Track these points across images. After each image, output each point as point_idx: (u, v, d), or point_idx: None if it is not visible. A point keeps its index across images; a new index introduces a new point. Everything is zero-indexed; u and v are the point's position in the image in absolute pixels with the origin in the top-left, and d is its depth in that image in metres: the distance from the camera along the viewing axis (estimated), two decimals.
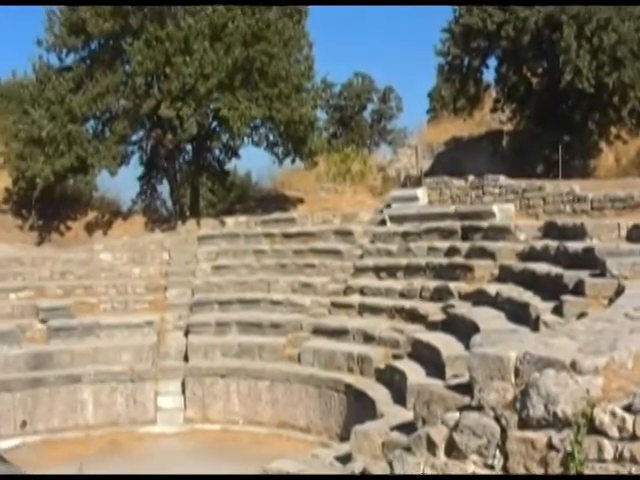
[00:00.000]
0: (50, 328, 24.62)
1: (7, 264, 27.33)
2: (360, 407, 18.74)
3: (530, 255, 19.51)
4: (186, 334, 24.88)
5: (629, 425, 6.51)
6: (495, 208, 22.96)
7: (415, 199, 26.90)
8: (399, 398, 16.93)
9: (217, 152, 33.31)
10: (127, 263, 28.10)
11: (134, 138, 31.69)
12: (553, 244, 18.42)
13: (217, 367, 23.48)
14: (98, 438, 22.64)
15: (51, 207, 30.18)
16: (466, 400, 7.81)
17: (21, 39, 76.13)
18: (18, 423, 22.66)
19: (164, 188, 33.68)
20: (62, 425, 23.11)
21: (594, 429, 6.65)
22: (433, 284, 21.69)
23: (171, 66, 27.62)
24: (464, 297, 20.04)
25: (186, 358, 24.10)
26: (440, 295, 21.03)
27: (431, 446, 7.58)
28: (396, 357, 19.34)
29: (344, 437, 18.23)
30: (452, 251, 22.41)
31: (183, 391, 23.70)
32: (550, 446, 6.82)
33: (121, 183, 45.25)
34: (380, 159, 37.70)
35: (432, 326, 19.67)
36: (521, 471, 6.97)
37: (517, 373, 7.34)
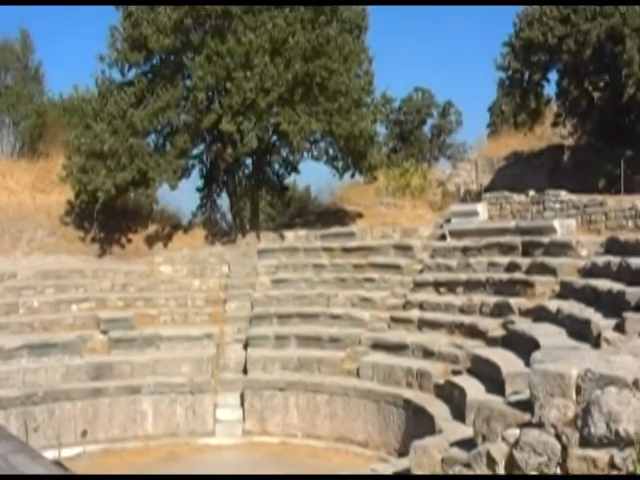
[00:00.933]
0: (111, 339, 24.96)
1: (69, 276, 27.74)
2: (419, 422, 18.68)
3: (591, 271, 19.31)
4: (245, 347, 24.98)
5: None
6: (556, 223, 22.76)
7: (475, 214, 26.79)
8: (458, 414, 16.84)
9: (277, 166, 33.47)
10: (187, 276, 28.33)
11: (194, 152, 32.01)
12: (615, 260, 18.20)
13: (276, 380, 23.57)
14: (157, 448, 22.90)
15: (112, 220, 30.53)
16: (526, 417, 7.76)
17: (83, 55, 77.42)
18: (79, 432, 23.00)
19: (224, 201, 33.98)
20: (122, 435, 23.41)
21: None
22: (493, 300, 21.55)
23: (232, 81, 27.86)
24: (524, 313, 19.88)
25: (245, 371, 24.22)
26: (500, 311, 20.88)
27: (491, 463, 7.55)
28: (455, 373, 19.23)
29: (402, 452, 18.21)
30: (512, 267, 22.24)
31: (242, 403, 23.85)
32: (612, 465, 6.75)
33: (181, 196, 45.61)
34: (439, 174, 37.61)
35: (492, 342, 19.53)
36: None
37: (578, 390, 7.27)
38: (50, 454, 17.22)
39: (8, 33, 40.64)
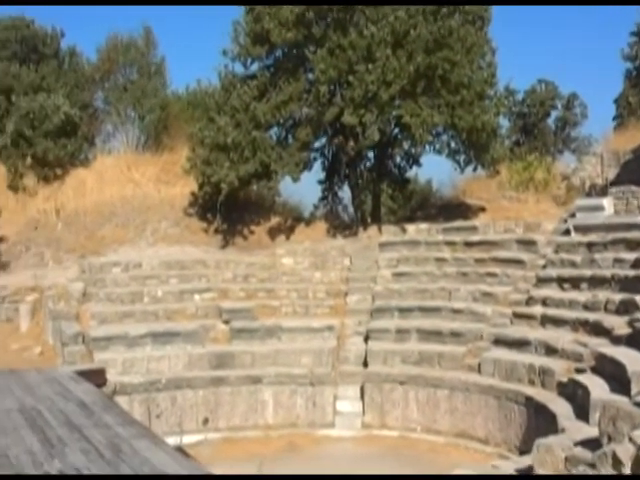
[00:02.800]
0: (233, 329, 25.35)
1: (192, 266, 28.26)
2: (540, 420, 18.38)
3: None
4: (366, 340, 25.00)
5: None
6: None
7: (600, 209, 26.19)
8: (581, 413, 16.48)
9: (398, 159, 33.38)
10: (309, 268, 28.50)
11: (316, 145, 32.18)
12: None
13: (396, 374, 23.51)
14: (277, 438, 23.12)
15: (235, 211, 30.95)
16: None
17: (205, 49, 78.58)
18: (200, 420, 23.43)
19: (345, 194, 34.04)
20: (242, 424, 23.74)
21: None
22: (619, 297, 20.99)
23: (354, 74, 27.87)
24: None
25: (365, 364, 24.24)
26: (626, 308, 20.31)
27: (617, 464, 7.40)
28: (579, 371, 18.80)
29: (523, 450, 17.97)
30: (639, 263, 21.67)
31: (362, 396, 23.90)
32: None
33: (303, 189, 45.94)
34: (564, 167, 36.82)
35: (617, 340, 19.04)
36: None
37: None
38: (172, 440, 17.53)
39: (132, 30, 41.62)
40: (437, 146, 30.73)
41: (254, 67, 31.07)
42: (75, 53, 41.24)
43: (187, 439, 21.67)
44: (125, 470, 13.76)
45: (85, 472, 13.59)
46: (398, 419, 23.35)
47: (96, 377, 21.37)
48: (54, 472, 13.59)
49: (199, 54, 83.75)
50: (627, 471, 7.28)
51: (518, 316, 23.44)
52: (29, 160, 33.92)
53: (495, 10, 30.57)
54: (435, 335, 24.22)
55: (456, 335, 23.71)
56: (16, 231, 31.70)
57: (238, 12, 30.74)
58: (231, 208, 30.65)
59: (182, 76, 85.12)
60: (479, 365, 22.30)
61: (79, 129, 35.32)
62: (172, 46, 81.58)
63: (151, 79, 40.20)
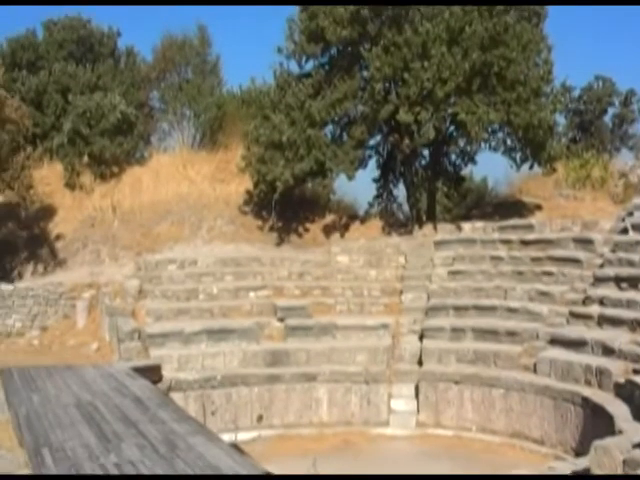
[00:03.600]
0: (287, 327, 25.39)
1: (248, 263, 28.38)
2: (597, 422, 18.13)
3: None
4: (421, 338, 24.88)
5: None
6: None
7: None
8: (639, 414, 16.29)
9: (454, 157, 33.16)
10: (364, 266, 28.43)
11: (371, 142, 32.10)
12: None
13: (451, 373, 23.35)
14: (331, 436, 23.11)
15: (290, 209, 31.03)
16: None
17: (259, 47, 78.82)
18: (255, 417, 23.53)
19: (400, 192, 33.92)
20: (297, 421, 23.78)
21: None
22: None
23: (409, 71, 27.76)
24: None
25: (420, 362, 24.13)
26: None
27: None
28: (637, 372, 18.57)
29: (579, 452, 17.80)
30: None
31: (416, 395, 23.80)
32: None
33: (358, 186, 45.87)
34: (621, 165, 36.36)
35: None
36: None
37: None
38: (226, 437, 17.60)
39: (187, 29, 41.86)
40: (493, 143, 30.55)
41: (309, 65, 31.14)
42: (131, 52, 41.70)
43: (241, 436, 21.75)
44: (180, 465, 13.85)
45: (140, 467, 13.72)
46: (453, 418, 23.20)
47: (152, 373, 21.59)
48: (110, 466, 13.74)
49: (254, 52, 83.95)
50: None
51: (575, 316, 23.15)
52: (86, 158, 34.29)
53: (551, 6, 30.23)
54: (490, 334, 23.99)
55: (512, 334, 23.47)
56: (73, 228, 32.07)
57: (293, 10, 30.79)
58: (286, 206, 30.74)
59: (237, 74, 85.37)
60: (535, 365, 22.04)
61: (135, 128, 35.62)
62: (227, 44, 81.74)
63: (206, 78, 40.50)
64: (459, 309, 25.58)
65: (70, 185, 34.06)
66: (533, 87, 28.15)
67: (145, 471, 13.50)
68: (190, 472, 13.48)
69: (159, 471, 13.53)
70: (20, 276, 30.53)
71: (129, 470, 13.51)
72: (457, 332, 24.53)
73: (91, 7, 62.31)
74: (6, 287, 27.53)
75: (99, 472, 13.37)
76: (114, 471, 13.44)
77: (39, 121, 35.81)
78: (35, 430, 16.02)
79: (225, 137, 36.01)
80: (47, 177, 34.13)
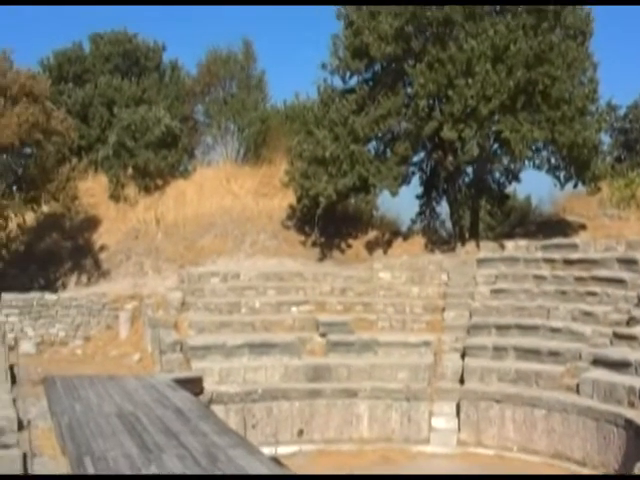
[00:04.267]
0: (329, 342, 25.39)
1: (290, 278, 28.43)
2: None
3: None
4: (462, 356, 24.74)
5: None
6: None
7: None
8: None
9: (497, 175, 33.02)
10: (406, 283, 28.35)
11: (415, 159, 32.08)
12: None
13: (493, 392, 23.16)
14: (371, 452, 23.07)
15: (333, 225, 31.07)
16: None
17: (304, 63, 79.06)
18: (295, 431, 23.55)
19: (443, 209, 33.82)
20: (337, 437, 23.77)
21: None
22: None
23: (453, 88, 27.72)
24: None
25: (462, 380, 23.98)
26: None
27: None
28: None
29: (622, 474, 17.56)
30: None
31: (457, 413, 23.65)
32: None
33: (401, 203, 45.77)
34: None
35: None
36: None
37: None
38: (267, 451, 17.59)
39: (232, 44, 42.05)
40: (537, 162, 30.39)
41: (353, 81, 31.23)
42: (176, 66, 42.02)
43: (282, 450, 21.76)
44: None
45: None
46: (494, 437, 23.01)
47: (193, 385, 21.67)
48: (151, 476, 13.79)
49: (297, 67, 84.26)
50: None
51: (618, 336, 22.89)
52: (130, 171, 34.60)
53: (597, 24, 30.04)
54: (533, 354, 23.76)
55: (554, 354, 23.22)
56: (117, 240, 32.33)
57: (338, 26, 30.87)
58: (329, 221, 30.77)
59: (281, 89, 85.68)
60: (577, 385, 21.80)
61: (179, 141, 35.89)
62: (272, 60, 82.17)
63: (251, 92, 40.66)
64: (501, 328, 25.38)
65: (114, 197, 34.38)
66: (578, 105, 27.98)
67: None
68: None
69: None
70: (64, 286, 30.81)
71: None
72: (499, 351, 24.35)
73: (137, 21, 62.78)
74: (50, 297, 27.75)
75: None
76: None
77: (84, 133, 36.25)
78: (77, 439, 16.11)
79: (269, 152, 36.15)
80: (92, 189, 34.47)
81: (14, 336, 26.39)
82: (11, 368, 21.45)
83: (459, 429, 23.55)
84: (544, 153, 30.18)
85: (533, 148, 29.52)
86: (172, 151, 35.20)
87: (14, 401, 17.17)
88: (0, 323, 26.49)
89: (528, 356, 23.81)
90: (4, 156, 30.14)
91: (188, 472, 14.08)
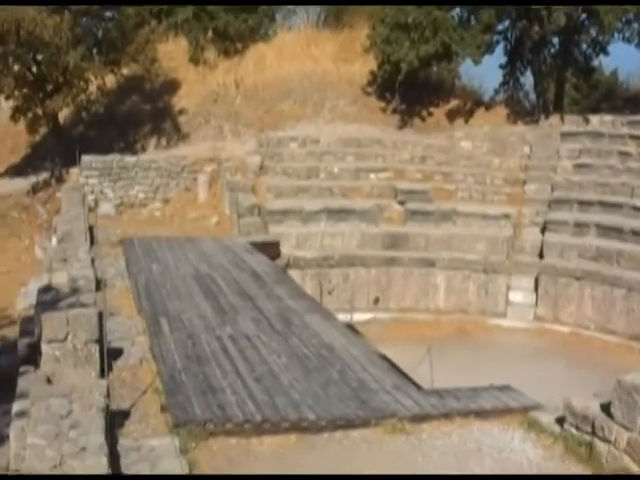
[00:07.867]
0: (408, 210, 25.19)
1: (369, 145, 28.14)
2: None
3: None
4: (542, 231, 24.31)
5: None
6: None
7: None
8: None
9: (584, 47, 31.84)
10: (487, 153, 27.81)
11: (500, 27, 30.98)
12: None
13: (572, 268, 22.80)
14: (447, 323, 23.01)
15: (414, 92, 30.44)
16: None
17: None
18: (371, 298, 23.60)
19: (527, 80, 32.89)
20: (413, 306, 23.78)
21: None
22: None
23: None
24: None
25: (541, 255, 23.64)
26: None
27: None
28: None
29: None
30: None
31: (535, 288, 23.38)
32: None
33: (484, 72, 44.76)
34: None
35: None
36: None
37: None
38: (342, 317, 17.56)
39: None
40: (627, 34, 29.14)
41: None
42: None
43: (357, 317, 21.61)
44: (294, 342, 13.93)
45: (255, 340, 13.83)
46: (572, 315, 22.73)
47: (270, 249, 21.72)
48: (225, 338, 13.89)
49: None
50: None
51: None
52: (210, 34, 34.10)
53: None
54: (615, 232, 23.19)
55: (637, 234, 22.64)
56: (196, 103, 32.12)
57: None
58: (410, 88, 30.12)
59: None
60: None
61: (260, 4, 35.19)
62: None
63: None
64: (583, 204, 24.78)
65: (194, 60, 33.99)
66: None
67: (260, 345, 13.63)
68: (304, 349, 13.57)
69: (274, 345, 13.64)
70: (143, 149, 30.86)
71: (244, 343, 13.65)
72: (580, 227, 23.86)
73: None
74: (130, 159, 27.85)
75: (215, 343, 13.57)
76: (229, 343, 13.60)
77: None
78: (153, 299, 16.30)
79: (350, 16, 35.30)
80: (172, 52, 34.12)
81: (94, 197, 26.70)
82: (90, 229, 21.70)
83: (536, 304, 23.33)
84: (635, 25, 28.92)
85: (623, 20, 28.28)
86: (252, 15, 34.56)
87: (93, 261, 17.36)
88: (80, 185, 26.72)
89: (610, 234, 23.28)
90: (84, 19, 29.82)
91: (262, 335, 14.17)
